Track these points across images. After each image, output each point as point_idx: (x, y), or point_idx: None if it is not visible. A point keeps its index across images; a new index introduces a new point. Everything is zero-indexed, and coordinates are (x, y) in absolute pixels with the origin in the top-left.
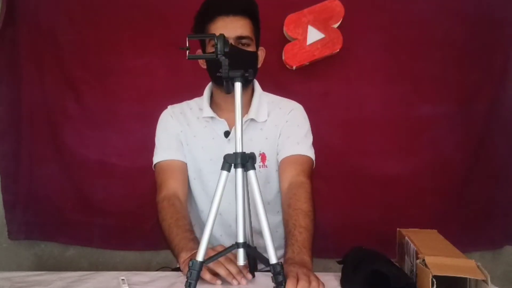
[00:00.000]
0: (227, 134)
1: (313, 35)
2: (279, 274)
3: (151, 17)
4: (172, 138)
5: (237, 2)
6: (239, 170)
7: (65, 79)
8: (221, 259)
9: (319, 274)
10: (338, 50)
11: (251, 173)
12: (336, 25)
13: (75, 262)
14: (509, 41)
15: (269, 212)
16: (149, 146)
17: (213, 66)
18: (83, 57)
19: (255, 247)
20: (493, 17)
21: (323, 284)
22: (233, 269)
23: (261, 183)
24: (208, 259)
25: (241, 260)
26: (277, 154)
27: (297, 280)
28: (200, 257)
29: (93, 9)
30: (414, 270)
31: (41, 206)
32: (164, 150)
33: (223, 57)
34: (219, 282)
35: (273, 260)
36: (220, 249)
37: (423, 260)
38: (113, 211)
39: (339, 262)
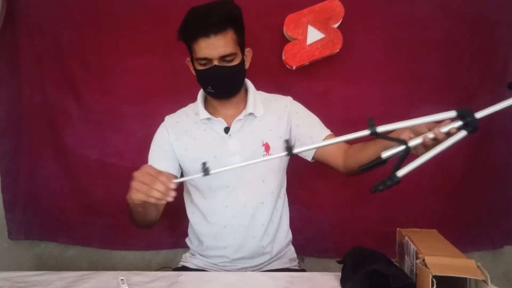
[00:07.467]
0: (227, 130)
1: (313, 35)
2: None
3: (151, 17)
4: (161, 150)
5: (216, 19)
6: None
7: (65, 79)
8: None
9: (319, 274)
10: (338, 50)
11: None
12: (336, 25)
13: (75, 262)
14: (509, 41)
15: (271, 201)
16: (149, 146)
17: (203, 81)
18: (83, 57)
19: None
20: (493, 17)
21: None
22: (160, 187)
23: (265, 171)
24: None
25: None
26: (309, 138)
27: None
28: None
29: (93, 9)
30: (414, 270)
31: (41, 206)
32: (152, 162)
33: None
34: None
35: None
36: None
37: (423, 260)
38: (113, 211)
39: (339, 262)
